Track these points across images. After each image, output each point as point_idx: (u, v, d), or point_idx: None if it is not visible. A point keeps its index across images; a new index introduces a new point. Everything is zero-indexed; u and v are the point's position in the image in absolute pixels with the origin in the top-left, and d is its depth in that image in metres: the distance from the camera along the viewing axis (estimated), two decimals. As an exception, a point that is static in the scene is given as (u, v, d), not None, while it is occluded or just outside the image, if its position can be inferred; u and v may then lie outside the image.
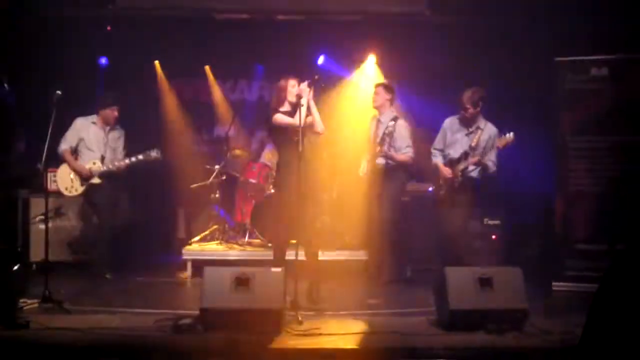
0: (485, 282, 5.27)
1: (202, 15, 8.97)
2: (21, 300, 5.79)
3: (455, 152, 6.81)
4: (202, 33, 9.09)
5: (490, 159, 6.65)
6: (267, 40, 9.17)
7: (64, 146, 7.61)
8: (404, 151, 7.30)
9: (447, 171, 6.79)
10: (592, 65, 7.18)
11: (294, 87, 6.28)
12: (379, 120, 7.45)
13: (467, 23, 8.62)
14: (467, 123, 6.82)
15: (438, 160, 6.97)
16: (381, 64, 9.41)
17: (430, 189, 8.24)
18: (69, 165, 7.63)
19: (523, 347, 4.83)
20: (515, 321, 5.17)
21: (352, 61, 9.50)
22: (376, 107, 7.46)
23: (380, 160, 7.32)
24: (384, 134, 7.29)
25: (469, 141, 6.72)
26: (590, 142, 7.17)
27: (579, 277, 6.99)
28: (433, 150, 7.06)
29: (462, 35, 8.60)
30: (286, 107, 6.33)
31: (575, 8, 7.65)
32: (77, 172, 7.62)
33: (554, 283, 7.16)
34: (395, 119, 7.34)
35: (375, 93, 7.46)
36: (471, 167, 6.67)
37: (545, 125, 7.91)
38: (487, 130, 6.73)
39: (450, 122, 6.99)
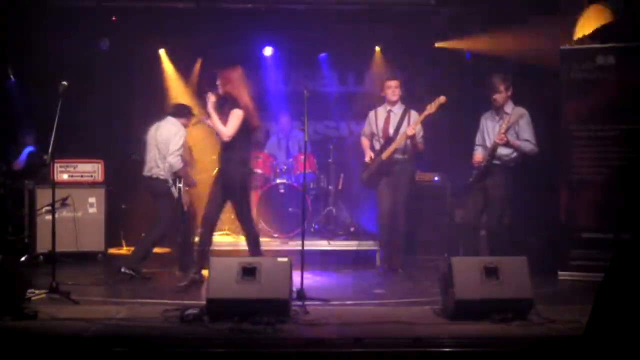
0: (490, 272, 5.26)
1: (207, 6, 8.97)
2: (29, 291, 5.80)
3: (490, 142, 6.88)
4: (205, 22, 9.07)
5: (524, 138, 6.71)
6: (271, 29, 9.16)
7: None
8: (419, 140, 7.24)
9: (478, 156, 6.90)
10: (598, 53, 7.14)
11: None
12: (390, 111, 7.37)
13: (471, 12, 8.60)
14: (497, 111, 6.88)
15: (477, 152, 7.05)
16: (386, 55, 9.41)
17: (436, 178, 8.33)
18: None
19: (528, 336, 4.83)
20: (521, 310, 5.18)
21: (356, 52, 9.49)
22: (394, 101, 7.35)
23: (398, 154, 7.24)
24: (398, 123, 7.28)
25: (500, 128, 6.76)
26: (596, 131, 7.15)
27: (585, 266, 7.01)
28: (475, 147, 7.11)
29: (466, 24, 8.59)
30: None
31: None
32: None
33: (559, 272, 7.18)
34: (407, 110, 7.33)
35: (396, 86, 7.33)
36: (507, 151, 6.71)
37: (550, 114, 7.90)
38: (515, 113, 6.74)
39: (485, 117, 7.06)
